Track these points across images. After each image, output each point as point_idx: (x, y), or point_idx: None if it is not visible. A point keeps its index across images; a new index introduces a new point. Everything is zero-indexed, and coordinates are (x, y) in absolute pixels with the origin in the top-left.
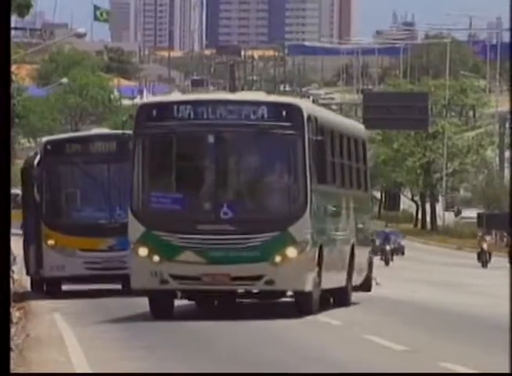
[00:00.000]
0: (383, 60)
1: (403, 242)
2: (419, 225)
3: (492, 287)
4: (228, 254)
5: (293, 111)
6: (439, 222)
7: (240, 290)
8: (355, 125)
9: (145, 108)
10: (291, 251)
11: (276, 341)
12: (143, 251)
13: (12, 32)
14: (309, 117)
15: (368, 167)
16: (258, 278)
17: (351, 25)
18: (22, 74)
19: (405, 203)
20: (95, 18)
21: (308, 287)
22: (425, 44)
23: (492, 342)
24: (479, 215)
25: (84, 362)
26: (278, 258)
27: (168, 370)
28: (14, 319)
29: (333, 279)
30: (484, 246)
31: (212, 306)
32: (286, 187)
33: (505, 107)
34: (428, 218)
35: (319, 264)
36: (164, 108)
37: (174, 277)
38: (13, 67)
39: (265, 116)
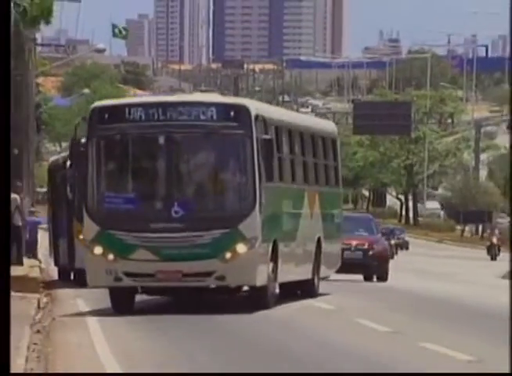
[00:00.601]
0: (371, 73)
1: (407, 237)
2: (403, 221)
3: (472, 276)
4: (180, 251)
5: (241, 111)
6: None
7: (193, 286)
8: (322, 124)
9: (97, 111)
10: (241, 247)
11: (282, 327)
12: (98, 250)
13: (39, 48)
14: (257, 117)
15: (338, 163)
16: (209, 274)
17: (342, 41)
18: (48, 85)
19: (391, 200)
20: (114, 35)
21: (260, 281)
22: (408, 58)
23: (467, 324)
24: (457, 211)
25: (103, 340)
26: (228, 255)
27: (181, 349)
28: (41, 305)
29: (295, 272)
30: (494, 240)
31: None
32: (235, 186)
33: (480, 115)
34: (411, 214)
35: (275, 259)
36: (116, 110)
37: (128, 275)
38: (40, 79)
39: (214, 117)
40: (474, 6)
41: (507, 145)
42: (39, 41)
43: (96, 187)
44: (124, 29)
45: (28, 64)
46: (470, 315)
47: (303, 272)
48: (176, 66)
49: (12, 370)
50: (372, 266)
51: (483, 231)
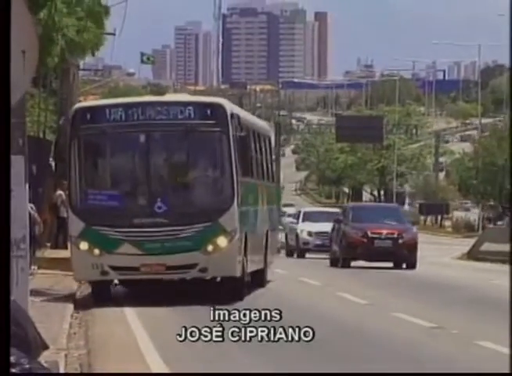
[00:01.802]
0: (350, 93)
1: None
2: None
3: (435, 258)
4: (164, 245)
5: (218, 110)
6: None
7: (176, 278)
8: (262, 123)
9: (80, 111)
10: (222, 240)
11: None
12: (84, 245)
13: (81, 72)
14: (232, 115)
15: (273, 160)
16: (192, 266)
17: (327, 67)
18: None
19: (366, 196)
20: (142, 61)
21: (238, 272)
22: (381, 81)
23: (434, 298)
24: (420, 205)
25: (135, 316)
26: (210, 247)
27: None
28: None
29: (255, 262)
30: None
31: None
32: (215, 181)
33: (438, 127)
34: None
35: (245, 251)
36: (98, 111)
37: (114, 268)
38: (82, 98)
39: (192, 115)
40: (434, 38)
41: (461, 151)
42: (81, 66)
43: (80, 185)
44: (151, 57)
45: (72, 86)
46: (433, 287)
47: (260, 263)
48: (192, 87)
49: (57, 335)
50: (402, 254)
51: (441, 221)
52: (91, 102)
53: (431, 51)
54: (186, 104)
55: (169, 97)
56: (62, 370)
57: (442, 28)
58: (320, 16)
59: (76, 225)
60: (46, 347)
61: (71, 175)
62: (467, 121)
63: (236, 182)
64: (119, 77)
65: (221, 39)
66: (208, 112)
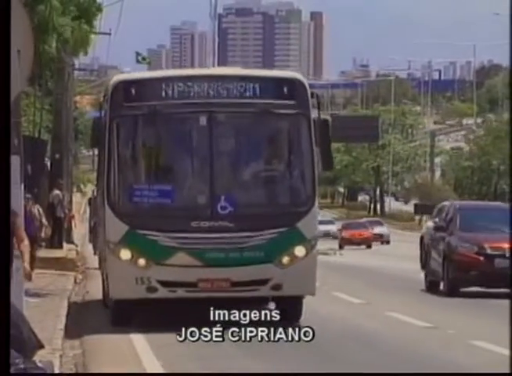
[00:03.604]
0: (346, 92)
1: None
2: (371, 212)
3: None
4: (228, 255)
5: (297, 86)
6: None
7: (242, 296)
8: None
9: (122, 85)
10: (300, 250)
11: None
12: (126, 254)
13: (76, 72)
14: (312, 94)
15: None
16: (263, 282)
17: (322, 67)
18: (84, 103)
19: (361, 195)
20: (137, 61)
21: (315, 290)
22: (376, 80)
23: (428, 298)
24: (416, 205)
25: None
26: (286, 259)
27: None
28: (77, 281)
29: None
30: None
31: None
32: (292, 176)
33: (434, 126)
34: (378, 207)
35: None
36: (146, 85)
37: (164, 284)
38: (77, 98)
39: (265, 93)
40: (430, 38)
41: (457, 151)
42: (77, 66)
43: (122, 178)
44: (146, 57)
45: (68, 85)
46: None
47: None
48: None
49: (52, 335)
50: None
51: None
52: (136, 74)
53: (427, 51)
54: (258, 79)
55: (232, 70)
56: (57, 371)
57: (438, 28)
58: (315, 16)
59: (116, 228)
60: (41, 347)
61: (109, 165)
62: (463, 121)
63: (317, 179)
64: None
65: (216, 39)
66: (285, 89)
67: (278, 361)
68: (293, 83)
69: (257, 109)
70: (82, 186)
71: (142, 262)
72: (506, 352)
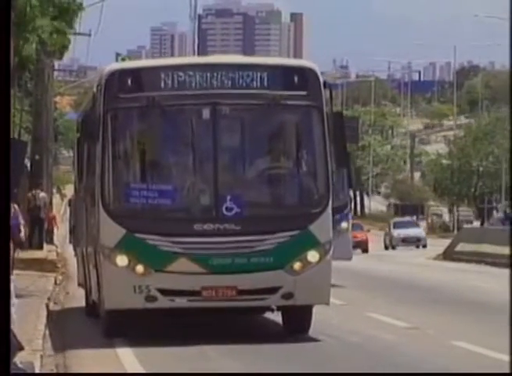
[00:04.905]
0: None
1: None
2: (352, 213)
3: (408, 258)
4: (235, 260)
5: (309, 76)
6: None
7: (250, 306)
8: None
9: (118, 74)
10: (313, 256)
11: None
12: (122, 260)
13: (56, 73)
14: (325, 84)
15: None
16: (273, 291)
17: None
18: (63, 103)
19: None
20: (117, 62)
21: (329, 299)
22: (356, 81)
23: (409, 298)
24: (395, 205)
25: None
26: (297, 265)
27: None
28: (57, 282)
29: None
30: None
31: None
32: (304, 174)
33: (414, 127)
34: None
35: None
36: (143, 75)
37: (165, 292)
38: (57, 98)
39: (274, 83)
40: (409, 38)
41: (435, 152)
42: (56, 67)
43: (118, 177)
44: (126, 58)
45: (47, 86)
46: (404, 288)
47: None
48: None
49: (33, 336)
50: None
51: (416, 221)
52: (132, 62)
53: (407, 52)
54: (266, 68)
55: (238, 58)
56: (37, 371)
57: (418, 29)
58: (296, 17)
59: (111, 232)
60: (21, 348)
61: (103, 163)
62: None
63: (332, 178)
64: (95, 77)
65: (196, 40)
66: (296, 79)
67: (261, 361)
68: (304, 72)
69: (266, 100)
70: (62, 187)
71: (140, 268)
72: (486, 352)
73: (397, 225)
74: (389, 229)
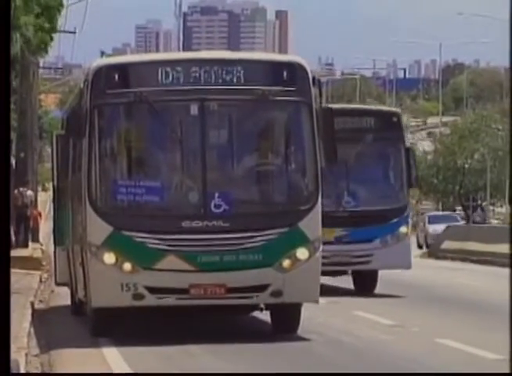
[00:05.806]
0: None
1: None
2: None
3: None
4: (223, 258)
5: (298, 71)
6: None
7: (238, 303)
8: None
9: (104, 70)
10: (302, 253)
11: None
12: (110, 258)
13: (41, 70)
14: (314, 80)
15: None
16: (262, 288)
17: None
18: (48, 101)
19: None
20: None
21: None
22: (341, 79)
23: (389, 295)
24: None
25: None
26: (286, 262)
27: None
28: (43, 279)
29: None
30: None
31: None
32: (293, 171)
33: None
34: None
35: None
36: (130, 70)
37: (152, 290)
38: (42, 96)
39: (263, 78)
40: (394, 36)
41: (421, 149)
42: (41, 65)
43: (104, 174)
44: (111, 55)
45: (32, 84)
46: (393, 285)
47: None
48: None
49: (18, 334)
50: None
51: None
52: (119, 57)
53: (392, 49)
54: (255, 63)
55: (227, 54)
56: (22, 370)
57: (403, 27)
58: (281, 15)
59: (98, 229)
60: None
61: (90, 160)
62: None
63: (321, 173)
64: (79, 75)
65: (181, 37)
66: (285, 74)
67: (248, 360)
68: (293, 67)
69: (254, 96)
70: (47, 185)
71: (127, 266)
72: (473, 350)
73: (432, 220)
74: (424, 224)
